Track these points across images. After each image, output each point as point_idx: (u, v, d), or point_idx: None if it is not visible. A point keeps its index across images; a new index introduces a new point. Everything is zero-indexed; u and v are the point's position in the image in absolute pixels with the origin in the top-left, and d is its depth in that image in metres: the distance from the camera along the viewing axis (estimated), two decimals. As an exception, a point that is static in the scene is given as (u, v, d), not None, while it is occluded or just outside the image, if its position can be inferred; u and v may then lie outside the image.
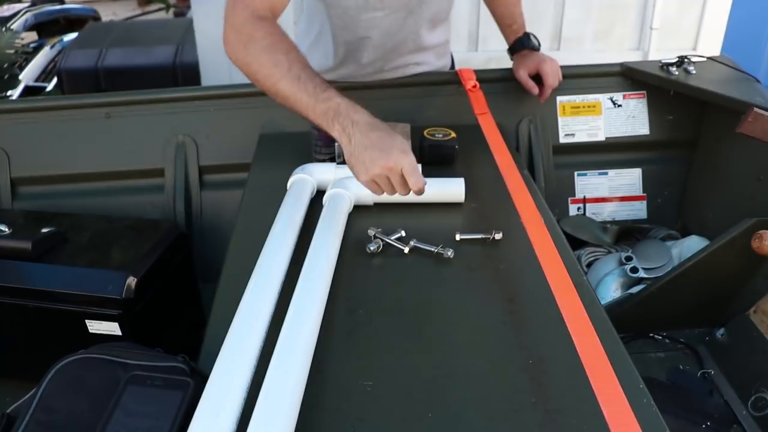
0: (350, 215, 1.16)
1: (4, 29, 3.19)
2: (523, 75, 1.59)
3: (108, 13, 6.48)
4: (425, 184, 1.03)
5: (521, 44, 1.62)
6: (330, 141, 1.35)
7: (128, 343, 0.99)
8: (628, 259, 1.61)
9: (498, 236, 1.09)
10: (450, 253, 1.05)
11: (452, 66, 1.75)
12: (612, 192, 1.84)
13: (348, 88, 1.62)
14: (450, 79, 1.66)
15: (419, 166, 1.04)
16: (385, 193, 1.04)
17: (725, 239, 1.37)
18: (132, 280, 1.29)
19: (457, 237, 1.10)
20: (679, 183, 1.83)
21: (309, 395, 0.76)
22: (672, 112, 1.78)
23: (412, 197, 1.21)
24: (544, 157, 1.76)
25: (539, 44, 1.63)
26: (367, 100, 1.57)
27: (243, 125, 1.67)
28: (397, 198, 1.20)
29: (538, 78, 1.59)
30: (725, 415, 1.32)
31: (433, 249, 1.06)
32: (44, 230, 1.39)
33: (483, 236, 1.09)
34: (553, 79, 1.57)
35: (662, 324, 1.54)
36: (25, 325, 1.35)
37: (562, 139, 1.78)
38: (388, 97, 1.59)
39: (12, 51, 3.08)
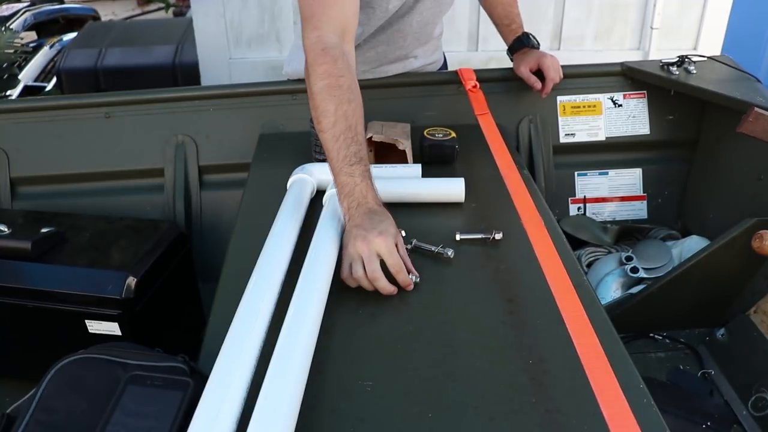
0: (350, 215, 1.16)
1: (3, 29, 3.19)
2: (525, 71, 1.59)
3: (107, 13, 6.48)
4: (409, 281, 0.98)
5: (521, 43, 1.62)
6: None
7: (128, 343, 0.98)
8: (629, 259, 1.61)
9: (498, 236, 1.09)
10: (450, 252, 1.05)
11: (444, 64, 1.76)
12: (612, 192, 1.84)
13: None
14: (450, 79, 1.66)
15: (403, 252, 1.01)
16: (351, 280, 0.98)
17: (725, 239, 1.37)
18: (132, 280, 1.29)
19: (458, 237, 1.10)
20: (679, 183, 1.83)
21: (309, 395, 0.76)
22: (672, 111, 1.78)
23: (412, 196, 1.22)
24: (544, 157, 1.76)
25: (538, 44, 1.63)
26: (368, 100, 1.58)
27: (243, 125, 1.67)
28: (396, 198, 1.21)
29: (538, 75, 1.59)
30: (725, 416, 1.32)
31: (433, 249, 1.06)
32: (44, 230, 1.39)
33: (483, 236, 1.09)
34: (554, 72, 1.57)
35: (662, 324, 1.54)
36: (25, 325, 1.35)
37: (563, 139, 1.78)
38: (388, 97, 1.59)
39: (11, 51, 3.08)
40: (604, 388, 0.77)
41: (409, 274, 0.99)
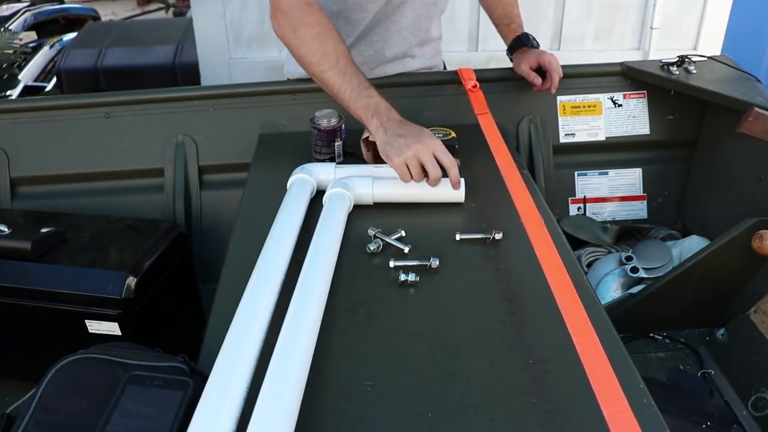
0: (350, 215, 1.16)
1: (2, 29, 3.19)
2: (525, 68, 1.58)
3: (107, 13, 6.48)
4: (459, 178, 1.15)
5: (520, 42, 1.61)
6: (330, 141, 1.35)
7: (128, 343, 0.99)
8: (629, 259, 1.61)
9: (498, 236, 1.09)
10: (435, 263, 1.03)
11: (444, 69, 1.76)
12: (612, 192, 1.84)
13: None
14: (450, 79, 1.66)
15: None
16: (413, 180, 1.14)
17: (725, 239, 1.37)
18: (132, 280, 1.29)
19: (458, 237, 1.10)
20: (679, 183, 1.83)
21: (309, 395, 0.76)
22: (672, 111, 1.78)
23: (412, 196, 1.22)
24: (544, 156, 1.76)
25: (538, 44, 1.63)
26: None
27: (243, 125, 1.67)
28: (396, 198, 1.21)
29: (539, 73, 1.59)
30: (725, 416, 1.32)
31: (417, 263, 1.04)
32: (44, 230, 1.39)
33: (483, 236, 1.09)
34: (557, 65, 1.57)
35: (662, 324, 1.54)
36: (25, 325, 1.35)
37: (563, 139, 1.78)
38: (387, 97, 1.58)
39: (11, 51, 3.08)
40: (604, 388, 0.77)
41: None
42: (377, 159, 1.36)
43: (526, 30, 1.63)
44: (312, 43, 1.23)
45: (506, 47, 1.66)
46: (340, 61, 1.21)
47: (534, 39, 1.62)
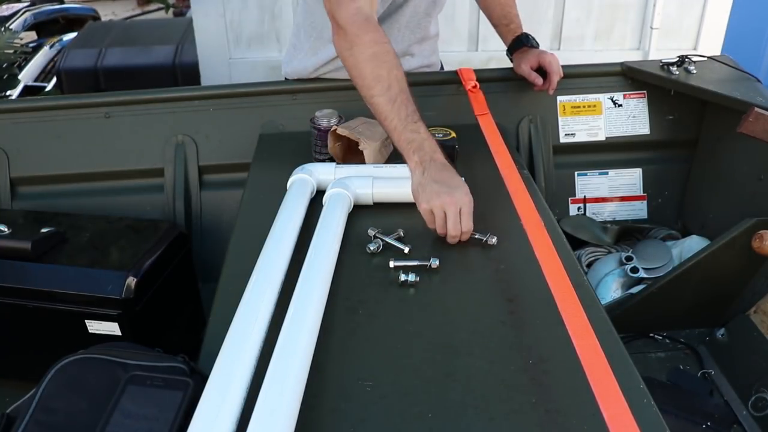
0: (350, 215, 1.16)
1: (3, 29, 3.19)
2: (526, 68, 1.58)
3: (107, 13, 6.48)
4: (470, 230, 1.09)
5: (520, 42, 1.61)
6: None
7: (128, 343, 0.99)
8: (629, 259, 1.61)
9: (492, 241, 1.08)
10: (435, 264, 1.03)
11: (441, 69, 1.75)
12: (612, 192, 1.84)
13: (350, 88, 1.63)
14: (450, 79, 1.66)
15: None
16: (435, 228, 1.09)
17: (725, 239, 1.37)
18: (132, 280, 1.29)
19: (391, 264, 1.04)
20: (679, 183, 1.83)
21: (309, 395, 0.76)
22: (672, 111, 1.78)
23: (412, 197, 1.22)
24: (544, 156, 1.76)
25: (537, 44, 1.63)
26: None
27: (243, 125, 1.67)
28: (397, 198, 1.21)
29: (539, 74, 1.58)
30: (725, 415, 1.32)
31: (417, 263, 1.04)
32: (44, 230, 1.39)
33: (479, 236, 1.09)
34: (557, 66, 1.56)
35: (662, 324, 1.54)
36: (25, 325, 1.35)
37: (563, 139, 1.78)
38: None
39: (11, 51, 3.08)
40: (603, 389, 0.77)
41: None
42: (348, 153, 1.35)
43: (526, 30, 1.63)
44: (366, 65, 1.16)
45: (506, 47, 1.66)
46: (392, 88, 1.14)
47: (533, 39, 1.62)
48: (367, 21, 1.17)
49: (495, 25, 1.66)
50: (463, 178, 1.12)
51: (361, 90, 1.18)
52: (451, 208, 1.06)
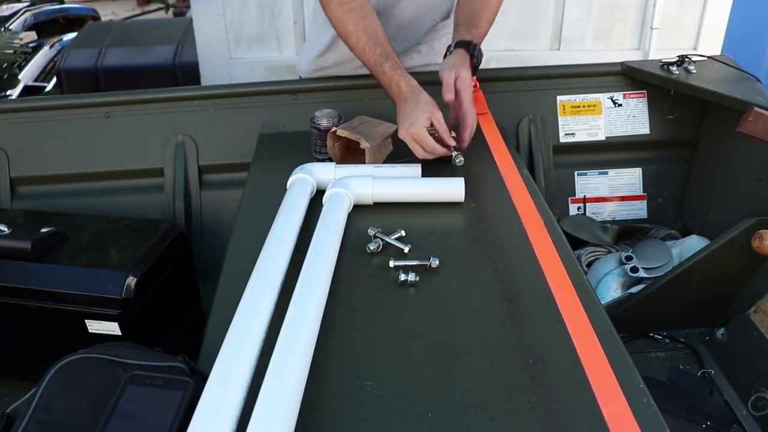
0: (350, 215, 1.16)
1: (2, 29, 3.19)
2: (449, 78, 1.31)
3: (107, 13, 6.48)
4: (450, 141, 1.27)
5: (469, 47, 1.36)
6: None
7: (128, 343, 0.98)
8: (628, 258, 1.61)
9: (435, 264, 1.02)
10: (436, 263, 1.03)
11: None
12: (612, 192, 1.84)
13: (350, 88, 1.63)
14: (450, 78, 1.65)
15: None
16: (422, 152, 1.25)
17: (725, 239, 1.37)
18: (132, 280, 1.29)
19: (391, 264, 1.03)
20: (679, 183, 1.83)
21: (309, 395, 0.76)
22: (672, 111, 1.78)
23: (412, 196, 1.22)
24: (544, 156, 1.76)
25: (479, 62, 1.40)
26: (367, 99, 1.57)
27: (243, 125, 1.67)
28: (396, 198, 1.21)
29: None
30: (725, 415, 1.32)
31: (417, 262, 1.03)
32: (44, 230, 1.39)
33: (419, 263, 1.03)
34: (472, 120, 1.30)
35: (662, 324, 1.54)
36: (25, 325, 1.35)
37: (562, 139, 1.78)
38: (387, 97, 1.59)
39: (11, 51, 3.08)
40: (603, 388, 0.77)
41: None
42: (347, 152, 1.35)
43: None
44: (336, 25, 1.34)
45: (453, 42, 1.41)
46: (360, 39, 1.30)
47: (480, 54, 1.39)
48: None
49: (456, 25, 1.43)
50: (423, 100, 1.25)
51: (343, 41, 1.35)
52: (416, 133, 1.22)
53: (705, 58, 1.72)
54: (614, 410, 0.74)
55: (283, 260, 0.98)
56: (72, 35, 3.61)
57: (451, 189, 1.21)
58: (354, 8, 1.31)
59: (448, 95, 1.31)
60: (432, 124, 1.24)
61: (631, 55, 2.39)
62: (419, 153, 1.25)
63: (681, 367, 1.45)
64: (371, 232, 1.11)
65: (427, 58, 1.62)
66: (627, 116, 1.78)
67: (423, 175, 1.27)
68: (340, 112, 1.40)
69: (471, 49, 1.36)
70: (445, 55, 1.40)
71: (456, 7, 1.48)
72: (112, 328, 1.30)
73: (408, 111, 1.24)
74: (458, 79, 1.31)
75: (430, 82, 1.65)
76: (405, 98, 1.27)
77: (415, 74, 1.61)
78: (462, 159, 1.28)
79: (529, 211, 1.13)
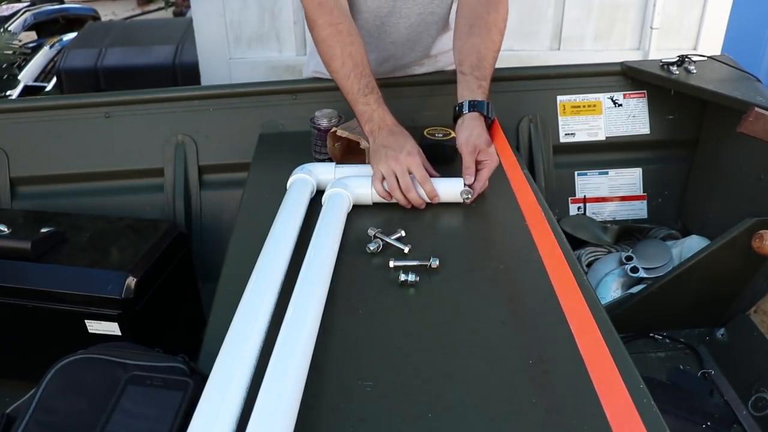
0: (350, 215, 1.16)
1: (2, 29, 3.19)
2: (469, 149, 1.18)
3: (107, 13, 6.48)
4: (434, 191, 1.16)
5: (481, 107, 1.24)
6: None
7: (128, 343, 0.98)
8: (629, 258, 1.61)
9: (435, 264, 1.02)
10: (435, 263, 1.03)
11: None
12: (612, 192, 1.84)
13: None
14: (450, 79, 1.64)
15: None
16: (393, 198, 1.16)
17: (725, 239, 1.37)
18: (132, 280, 1.29)
19: (391, 264, 1.03)
20: (679, 183, 1.83)
21: (309, 395, 0.76)
22: (672, 111, 1.78)
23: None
24: (544, 156, 1.76)
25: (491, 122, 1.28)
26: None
27: (243, 125, 1.67)
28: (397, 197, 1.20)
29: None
30: (725, 415, 1.32)
31: (417, 263, 1.03)
32: (43, 230, 1.39)
33: (419, 263, 1.03)
34: (487, 173, 1.20)
35: (662, 324, 1.54)
36: (25, 325, 1.35)
37: (563, 139, 1.78)
38: (388, 97, 1.58)
39: (11, 51, 3.08)
40: (607, 388, 0.77)
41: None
42: (344, 155, 1.35)
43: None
44: (321, 45, 1.27)
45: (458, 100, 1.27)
46: (345, 65, 1.24)
47: (493, 112, 1.27)
48: (321, 4, 1.27)
49: (461, 73, 1.30)
50: (413, 140, 1.20)
51: (326, 67, 1.28)
52: (398, 167, 1.13)
53: (705, 58, 1.72)
54: (618, 410, 0.73)
55: (282, 260, 0.98)
56: (72, 35, 3.61)
57: (452, 189, 1.21)
58: (342, 31, 1.26)
59: (469, 179, 1.17)
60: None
61: (631, 55, 2.39)
62: (396, 191, 1.14)
63: (681, 367, 1.45)
64: (371, 232, 1.11)
65: (433, 68, 1.61)
66: (627, 116, 1.78)
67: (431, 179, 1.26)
68: (340, 112, 1.40)
69: (486, 111, 1.24)
70: (455, 115, 1.25)
71: (459, 44, 1.34)
72: (111, 328, 1.30)
73: (403, 141, 1.18)
74: (480, 156, 1.18)
75: (431, 82, 1.66)
76: (390, 130, 1.20)
77: (414, 75, 1.62)
78: (469, 197, 1.17)
79: (532, 210, 1.13)
